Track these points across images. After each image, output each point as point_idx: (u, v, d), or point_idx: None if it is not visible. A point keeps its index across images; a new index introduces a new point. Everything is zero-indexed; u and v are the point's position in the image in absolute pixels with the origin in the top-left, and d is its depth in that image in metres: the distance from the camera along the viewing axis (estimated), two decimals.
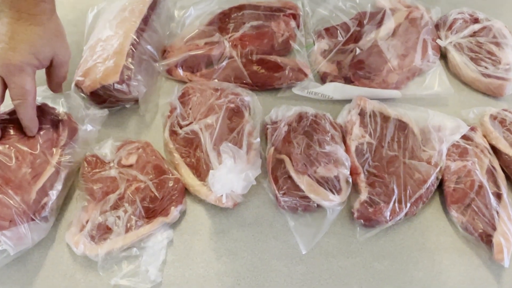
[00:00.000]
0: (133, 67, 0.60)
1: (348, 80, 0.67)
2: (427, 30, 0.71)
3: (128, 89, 0.59)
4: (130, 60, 0.60)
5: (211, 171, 0.51)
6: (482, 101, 0.71)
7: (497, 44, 0.71)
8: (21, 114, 0.52)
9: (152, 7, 0.68)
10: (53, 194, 0.53)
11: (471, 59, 0.71)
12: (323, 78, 0.69)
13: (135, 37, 0.62)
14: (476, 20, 0.75)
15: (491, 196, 0.55)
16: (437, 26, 0.77)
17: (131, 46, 0.61)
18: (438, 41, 0.73)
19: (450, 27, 0.74)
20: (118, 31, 0.63)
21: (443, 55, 0.75)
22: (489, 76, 0.69)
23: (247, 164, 0.53)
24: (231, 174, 0.50)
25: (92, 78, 0.59)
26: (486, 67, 0.69)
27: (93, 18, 0.70)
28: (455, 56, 0.71)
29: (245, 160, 0.54)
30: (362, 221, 0.55)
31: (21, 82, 0.51)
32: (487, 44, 0.72)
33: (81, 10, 0.79)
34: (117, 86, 0.58)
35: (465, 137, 0.61)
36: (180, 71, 0.67)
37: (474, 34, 0.73)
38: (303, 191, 0.55)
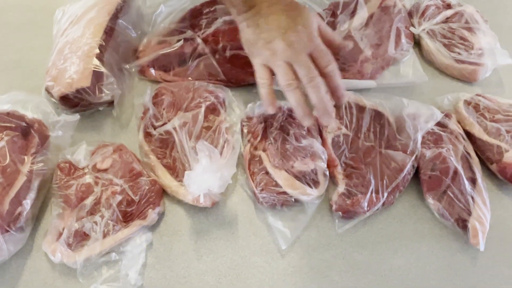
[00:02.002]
0: (104, 70, 0.59)
1: None
2: (400, 18, 0.71)
3: (101, 93, 0.58)
4: (100, 62, 0.59)
5: (186, 172, 0.51)
6: (457, 87, 0.71)
7: (469, 29, 0.72)
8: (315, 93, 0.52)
9: (121, 6, 0.66)
10: (27, 204, 0.52)
11: (444, 45, 0.71)
12: None
13: (103, 38, 0.61)
14: (448, 6, 0.75)
15: (466, 182, 0.56)
16: (410, 14, 0.77)
17: (100, 48, 0.60)
18: (412, 28, 0.73)
19: (422, 14, 0.74)
20: (86, 31, 0.61)
21: (417, 43, 0.75)
22: (462, 62, 0.69)
23: (223, 163, 0.53)
24: (206, 174, 0.50)
25: (62, 82, 0.57)
26: (459, 53, 0.70)
27: (61, 19, 0.68)
28: (428, 43, 0.71)
29: (221, 159, 0.54)
30: (340, 213, 0.55)
31: (307, 60, 0.52)
32: (459, 29, 0.72)
33: (50, 10, 0.77)
34: (88, 90, 0.57)
35: (439, 124, 0.62)
36: (152, 71, 0.66)
37: (446, 20, 0.73)
38: (281, 187, 0.55)
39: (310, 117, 0.53)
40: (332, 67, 0.53)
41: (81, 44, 0.60)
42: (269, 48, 0.53)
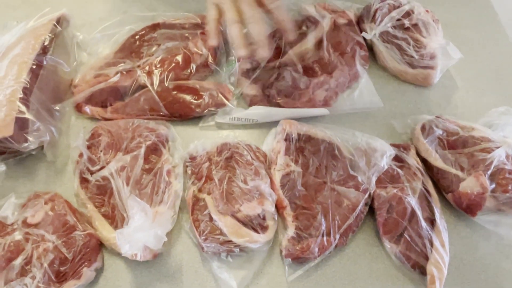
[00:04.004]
0: (28, 115, 0.54)
1: (273, 101, 0.63)
2: (354, 39, 0.67)
3: (26, 141, 0.53)
4: (24, 107, 0.54)
5: (117, 230, 0.47)
6: (412, 95, 0.69)
7: (421, 29, 0.68)
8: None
9: (50, 40, 0.60)
10: None
11: (398, 47, 0.68)
12: (247, 101, 0.64)
13: (28, 78, 0.55)
14: (398, 7, 0.70)
15: (424, 224, 0.53)
16: (361, 18, 0.72)
17: (24, 90, 0.54)
18: (364, 34, 0.68)
19: (373, 18, 0.70)
20: (9, 72, 0.56)
21: (370, 49, 0.71)
22: (415, 66, 0.67)
23: (157, 219, 0.49)
24: (139, 233, 0.46)
25: None
26: (412, 56, 0.67)
27: None
28: (381, 49, 0.68)
29: (159, 209, 0.50)
30: (290, 259, 0.52)
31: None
32: (411, 29, 0.68)
33: None
34: (11, 139, 0.52)
35: (397, 158, 0.58)
36: (87, 109, 0.61)
37: (398, 21, 0.69)
38: (226, 235, 0.51)
39: (245, 49, 0.58)
40: (278, 3, 0.59)
41: (3, 87, 0.54)
42: None
